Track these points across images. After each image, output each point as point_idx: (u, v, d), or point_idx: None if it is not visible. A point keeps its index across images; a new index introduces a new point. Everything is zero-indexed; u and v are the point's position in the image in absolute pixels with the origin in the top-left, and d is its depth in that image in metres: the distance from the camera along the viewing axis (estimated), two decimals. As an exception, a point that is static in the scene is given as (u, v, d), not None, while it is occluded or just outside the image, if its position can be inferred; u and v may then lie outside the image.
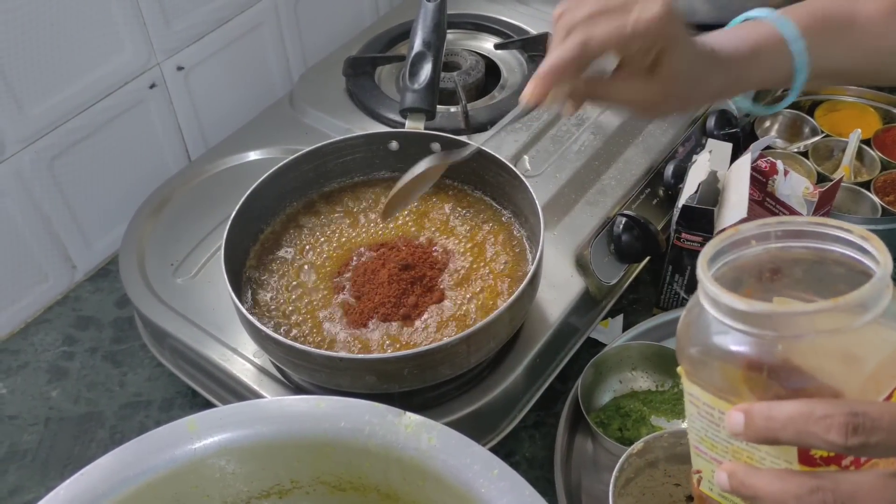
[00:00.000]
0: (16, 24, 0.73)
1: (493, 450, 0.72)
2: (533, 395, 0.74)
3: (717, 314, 0.39)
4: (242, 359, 0.72)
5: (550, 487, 0.69)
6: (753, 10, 0.67)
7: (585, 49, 0.55)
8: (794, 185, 0.74)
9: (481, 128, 0.89)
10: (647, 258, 0.83)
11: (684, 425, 0.72)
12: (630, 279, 0.83)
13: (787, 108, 0.96)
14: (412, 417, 0.54)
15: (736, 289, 0.39)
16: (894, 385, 0.38)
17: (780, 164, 0.75)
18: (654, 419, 0.73)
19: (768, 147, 0.90)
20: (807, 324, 0.37)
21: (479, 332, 0.61)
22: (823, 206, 0.74)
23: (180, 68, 0.88)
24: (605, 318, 0.81)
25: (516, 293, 0.62)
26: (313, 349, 0.61)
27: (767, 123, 0.96)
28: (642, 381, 0.76)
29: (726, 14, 0.95)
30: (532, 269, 0.64)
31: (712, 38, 0.63)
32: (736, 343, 0.39)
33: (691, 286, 0.79)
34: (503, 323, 0.63)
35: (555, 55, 0.55)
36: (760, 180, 0.76)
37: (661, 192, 0.85)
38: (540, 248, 0.66)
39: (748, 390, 0.39)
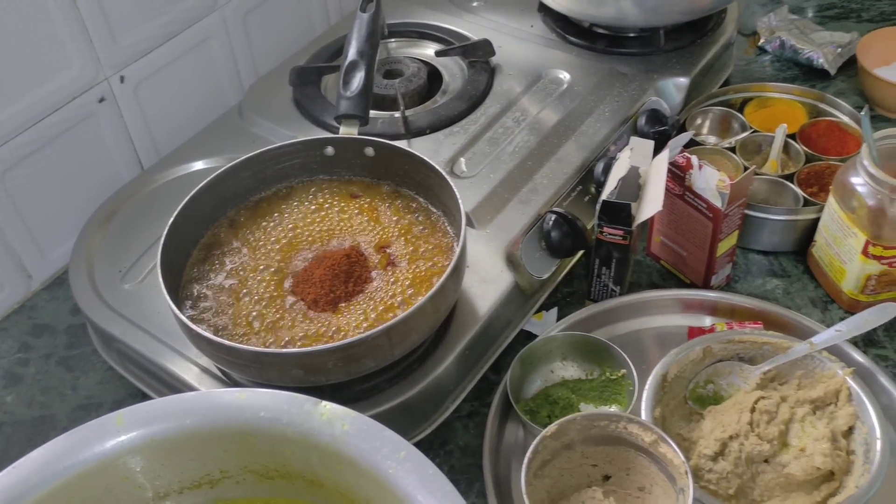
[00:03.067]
0: (-39, 44, 0.77)
1: (428, 439, 0.76)
2: (466, 387, 0.77)
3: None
4: (187, 360, 0.75)
5: (480, 475, 0.72)
6: None
7: None
8: (708, 178, 0.77)
9: (420, 132, 0.93)
10: (581, 253, 0.87)
11: (611, 410, 0.75)
12: (563, 274, 0.86)
13: (717, 105, 1.01)
14: (328, 406, 0.57)
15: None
16: None
17: (694, 159, 0.78)
18: (583, 406, 0.77)
19: (696, 143, 0.94)
20: None
21: (400, 324, 0.64)
22: (737, 197, 0.78)
23: (122, 79, 0.91)
24: (538, 311, 0.85)
25: (436, 286, 0.65)
26: (239, 345, 0.64)
27: (698, 121, 1.00)
28: (572, 371, 0.79)
29: (656, 17, 0.99)
30: (453, 262, 0.67)
31: None
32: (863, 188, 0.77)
33: (618, 278, 0.82)
34: (425, 315, 0.66)
35: None
36: (679, 175, 0.80)
37: (592, 190, 0.89)
38: (462, 241, 0.69)
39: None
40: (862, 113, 0.78)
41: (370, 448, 0.55)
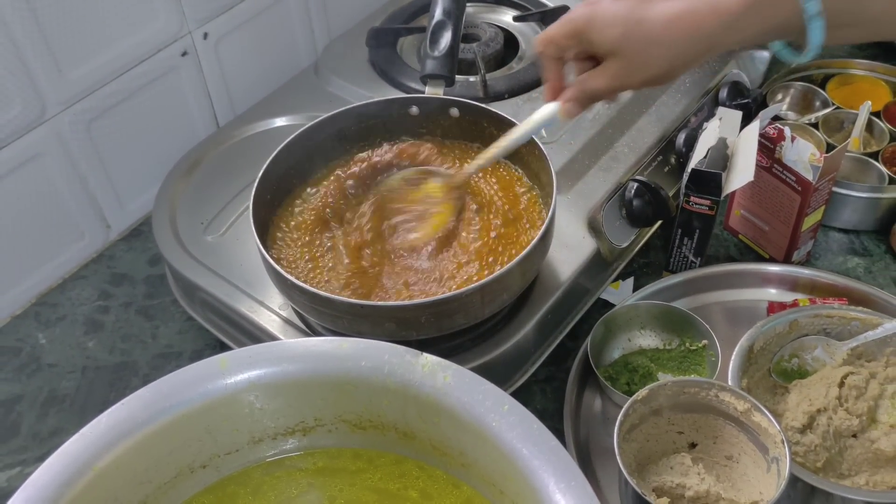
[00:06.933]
0: (57, -9, 0.77)
1: (506, 401, 0.76)
2: (544, 351, 0.77)
3: None
4: (269, 311, 0.76)
5: (560, 438, 0.72)
6: None
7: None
8: (801, 151, 0.76)
9: (499, 96, 0.92)
10: (659, 223, 0.86)
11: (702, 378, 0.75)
12: (641, 243, 0.86)
13: (799, 80, 0.99)
14: (429, 358, 0.57)
15: None
16: None
17: (787, 131, 0.77)
18: (661, 375, 0.76)
19: (778, 118, 0.92)
20: None
21: (493, 283, 0.64)
22: (829, 172, 0.77)
23: (206, 35, 0.92)
24: (615, 280, 0.84)
25: (528, 248, 0.65)
26: (336, 296, 0.65)
27: (779, 96, 0.98)
28: (650, 340, 0.79)
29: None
30: (544, 226, 0.67)
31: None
32: None
33: (699, 249, 0.81)
34: (515, 275, 0.66)
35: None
36: (768, 146, 0.79)
37: (672, 160, 0.88)
38: (552, 207, 0.69)
39: None
40: None
41: (472, 401, 0.55)
